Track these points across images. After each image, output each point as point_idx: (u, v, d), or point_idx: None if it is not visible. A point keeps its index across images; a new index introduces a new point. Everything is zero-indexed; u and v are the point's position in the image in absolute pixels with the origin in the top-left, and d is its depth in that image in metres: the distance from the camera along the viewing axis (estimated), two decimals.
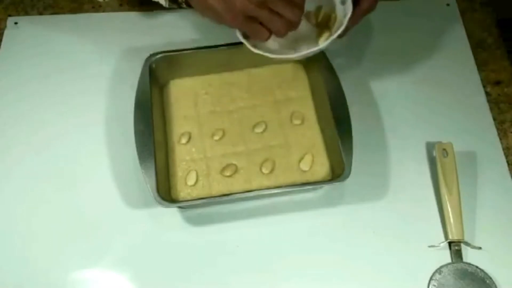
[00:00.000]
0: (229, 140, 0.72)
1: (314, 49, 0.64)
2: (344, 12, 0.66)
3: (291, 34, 0.66)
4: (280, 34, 0.63)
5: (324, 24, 0.69)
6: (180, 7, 0.61)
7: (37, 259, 0.66)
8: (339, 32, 0.63)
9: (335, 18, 0.68)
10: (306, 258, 0.66)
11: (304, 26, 0.69)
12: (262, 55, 0.65)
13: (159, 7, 0.80)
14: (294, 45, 0.69)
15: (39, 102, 0.77)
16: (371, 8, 0.67)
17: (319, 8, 0.70)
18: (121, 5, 0.86)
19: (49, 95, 0.77)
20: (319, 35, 0.68)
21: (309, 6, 0.69)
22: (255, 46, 0.66)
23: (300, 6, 0.62)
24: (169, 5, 0.64)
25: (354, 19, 0.65)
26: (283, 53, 0.67)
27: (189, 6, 0.63)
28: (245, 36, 0.67)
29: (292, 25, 0.63)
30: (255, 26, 0.63)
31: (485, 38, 0.83)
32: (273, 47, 0.68)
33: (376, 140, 0.74)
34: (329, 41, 0.64)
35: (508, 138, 0.74)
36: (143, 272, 0.65)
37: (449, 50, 0.81)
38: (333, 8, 0.68)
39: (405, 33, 0.83)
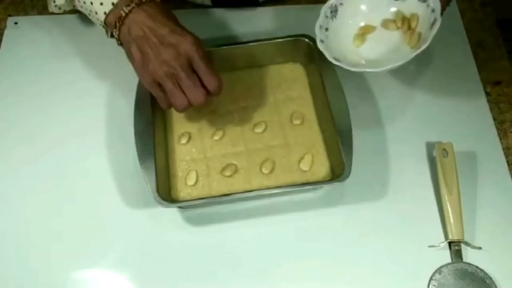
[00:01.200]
0: (229, 140, 0.72)
1: (418, 51, 0.62)
2: (428, 8, 0.65)
3: (379, 46, 0.68)
4: (177, 109, 0.64)
5: (407, 28, 0.68)
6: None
7: (37, 259, 0.66)
8: (436, 28, 0.62)
9: (417, 17, 0.67)
10: (306, 258, 0.66)
11: (384, 34, 0.69)
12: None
13: None
14: (382, 55, 0.69)
15: (39, 102, 0.77)
16: None
17: (397, 12, 0.69)
18: None
19: (49, 95, 0.77)
20: (407, 38, 0.68)
21: (385, 13, 0.70)
22: (350, 65, 0.65)
23: (205, 93, 0.63)
24: (111, 37, 0.67)
25: (443, 3, 0.64)
26: (384, 64, 0.65)
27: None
28: (336, 60, 0.66)
29: (192, 104, 0.63)
30: (159, 92, 0.64)
31: (485, 38, 0.83)
32: (363, 61, 0.69)
33: (376, 140, 0.73)
34: (427, 38, 0.62)
35: (508, 138, 0.74)
36: (143, 272, 0.65)
37: (449, 50, 0.81)
38: (412, 8, 0.68)
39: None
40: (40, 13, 0.85)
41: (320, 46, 0.67)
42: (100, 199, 0.69)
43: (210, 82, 0.63)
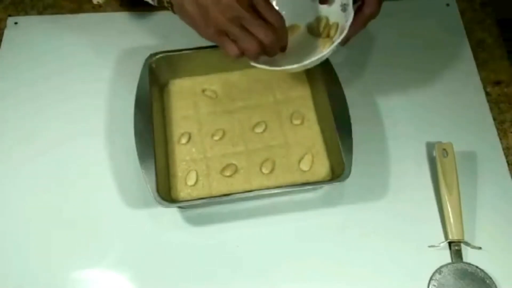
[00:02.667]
0: (229, 140, 0.72)
1: (314, 58, 0.61)
2: (345, 19, 0.64)
3: (294, 46, 0.66)
4: (249, 54, 0.61)
5: (326, 35, 0.68)
6: (164, 7, 0.61)
7: (37, 259, 0.66)
8: (340, 39, 0.61)
9: (337, 26, 0.67)
10: (306, 258, 0.66)
11: (307, 38, 0.68)
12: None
13: (152, 6, 0.79)
14: (298, 57, 0.66)
15: (39, 102, 0.77)
16: (373, 15, 0.64)
17: (320, 19, 0.69)
18: (121, 5, 0.86)
19: (49, 95, 0.77)
20: (322, 45, 0.67)
21: (310, 17, 0.69)
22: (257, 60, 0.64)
23: (274, 29, 0.60)
24: (157, 3, 0.64)
25: (356, 26, 0.63)
26: (284, 64, 0.64)
27: (172, 9, 0.63)
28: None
29: (264, 47, 0.60)
30: (225, 40, 0.60)
31: (485, 38, 0.83)
32: (273, 60, 0.66)
33: (376, 140, 0.74)
34: (330, 49, 0.61)
35: (508, 138, 0.74)
36: (143, 272, 0.65)
37: (449, 50, 0.81)
38: (334, 17, 0.67)
39: (405, 33, 0.83)
40: (40, 13, 0.85)
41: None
42: (100, 199, 0.69)
43: (273, 17, 0.59)
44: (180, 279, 0.65)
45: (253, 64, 0.64)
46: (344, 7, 0.65)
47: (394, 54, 0.81)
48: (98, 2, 0.82)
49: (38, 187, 0.70)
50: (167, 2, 0.62)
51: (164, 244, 0.67)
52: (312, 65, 0.63)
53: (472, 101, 0.77)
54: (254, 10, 0.59)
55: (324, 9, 0.68)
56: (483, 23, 0.85)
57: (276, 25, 0.60)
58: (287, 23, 0.64)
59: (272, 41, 0.60)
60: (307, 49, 0.68)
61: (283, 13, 0.63)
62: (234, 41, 0.60)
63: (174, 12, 0.63)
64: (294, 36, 0.69)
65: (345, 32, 0.61)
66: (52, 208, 0.69)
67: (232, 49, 0.61)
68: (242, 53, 0.61)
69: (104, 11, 0.86)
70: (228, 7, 0.57)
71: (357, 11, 0.63)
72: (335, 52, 0.62)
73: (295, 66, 0.63)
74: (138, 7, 0.85)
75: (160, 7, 0.66)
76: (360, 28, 0.64)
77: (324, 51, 0.62)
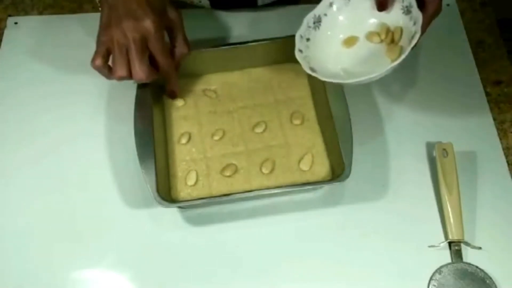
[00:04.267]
0: (229, 140, 0.72)
1: (393, 65, 0.61)
2: (411, 21, 0.63)
3: (357, 57, 0.67)
4: (115, 76, 0.64)
5: (390, 41, 0.67)
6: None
7: (37, 259, 0.66)
8: (415, 41, 0.60)
9: (401, 30, 0.66)
10: (306, 258, 0.66)
11: (369, 48, 0.68)
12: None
13: None
14: (366, 67, 0.67)
15: (39, 102, 0.77)
16: (437, 12, 0.64)
17: (382, 25, 0.68)
18: None
19: (49, 95, 0.77)
20: (389, 51, 0.66)
21: (370, 25, 0.68)
22: (325, 76, 0.64)
23: (147, 71, 0.64)
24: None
25: (423, 26, 0.62)
26: (355, 77, 0.63)
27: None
28: (312, 69, 0.65)
29: (132, 77, 0.64)
30: (103, 56, 0.64)
31: (485, 38, 0.83)
32: (343, 74, 0.67)
33: (376, 140, 0.74)
34: (406, 53, 0.60)
35: (508, 138, 0.74)
36: (143, 272, 0.65)
37: (449, 50, 0.81)
38: (396, 22, 0.66)
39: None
40: (40, 13, 0.85)
41: (297, 55, 0.66)
42: (100, 199, 0.69)
43: (162, 62, 0.66)
44: (180, 279, 0.65)
45: (327, 80, 0.64)
46: (406, 10, 0.64)
47: None
48: None
49: (38, 187, 0.70)
50: (98, 2, 0.66)
51: (164, 244, 0.67)
52: (386, 73, 0.62)
53: (472, 101, 0.77)
54: (146, 50, 0.64)
55: (383, 16, 0.67)
56: (483, 23, 0.85)
57: (164, 68, 0.67)
58: (347, 34, 0.68)
59: (139, 78, 0.64)
60: (373, 58, 0.67)
61: (344, 23, 0.68)
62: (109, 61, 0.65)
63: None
64: (355, 48, 0.69)
65: (418, 34, 0.61)
66: (52, 208, 0.69)
67: (103, 69, 0.65)
68: (109, 73, 0.65)
69: None
70: (123, 32, 0.62)
71: (421, 11, 0.62)
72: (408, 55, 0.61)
73: (373, 75, 0.61)
74: None
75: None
76: (426, 26, 0.64)
77: (400, 56, 0.61)
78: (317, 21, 0.69)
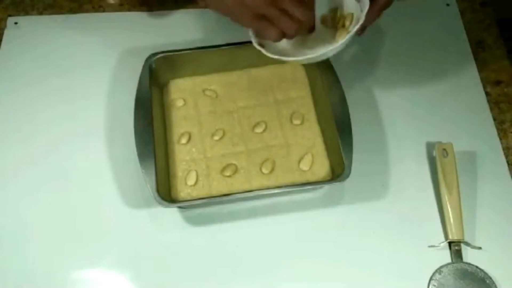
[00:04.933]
0: (229, 140, 0.72)
1: (331, 47, 0.62)
2: (361, 8, 0.64)
3: (306, 37, 0.66)
4: (290, 33, 0.62)
5: (341, 25, 0.68)
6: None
7: (37, 259, 0.66)
8: (356, 28, 0.62)
9: (352, 17, 0.67)
10: (306, 258, 0.66)
11: (320, 29, 0.68)
12: (277, 58, 0.64)
13: (163, 6, 0.79)
14: (311, 49, 0.67)
15: (40, 102, 0.77)
16: (388, 4, 0.66)
17: (334, 10, 0.69)
18: (121, 5, 0.86)
19: (49, 95, 0.77)
20: (338, 35, 0.67)
21: (323, 9, 0.69)
22: (270, 52, 0.64)
23: (310, 7, 0.62)
24: None
25: (371, 15, 0.64)
26: (299, 55, 0.65)
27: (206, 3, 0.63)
28: (261, 44, 0.66)
29: (303, 25, 0.62)
30: (264, 24, 0.61)
31: (485, 38, 0.83)
32: (288, 52, 0.67)
33: (376, 140, 0.74)
34: (346, 38, 0.62)
35: (508, 138, 0.74)
36: (143, 272, 0.65)
37: (449, 50, 0.81)
38: (349, 8, 0.67)
39: (405, 33, 0.83)
40: (40, 13, 0.85)
41: (254, 44, 0.66)
42: (100, 199, 0.69)
43: None
44: (180, 279, 0.65)
45: (271, 56, 0.64)
46: None
47: (394, 54, 0.81)
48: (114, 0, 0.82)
49: (38, 187, 0.70)
50: None
51: (164, 244, 0.67)
52: (328, 55, 0.64)
53: (472, 101, 0.77)
54: None
55: (337, 1, 0.68)
56: (483, 23, 0.85)
57: (308, 4, 0.61)
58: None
59: (308, 19, 0.62)
60: (322, 41, 0.68)
61: None
62: (272, 23, 0.61)
63: (206, 6, 0.63)
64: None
65: (361, 21, 0.62)
66: (52, 208, 0.69)
67: (272, 32, 0.62)
68: (282, 35, 0.62)
69: (104, 11, 0.86)
70: None
71: (372, 1, 0.63)
72: (349, 43, 0.62)
73: (312, 56, 0.63)
74: (141, 6, 0.85)
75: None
76: (375, 17, 0.65)
77: (340, 40, 0.63)
78: None
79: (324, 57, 0.64)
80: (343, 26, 0.67)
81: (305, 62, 0.69)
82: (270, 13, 0.60)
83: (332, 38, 0.67)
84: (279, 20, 0.61)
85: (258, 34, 0.65)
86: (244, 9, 0.60)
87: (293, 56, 0.65)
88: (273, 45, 0.66)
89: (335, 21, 0.69)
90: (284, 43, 0.67)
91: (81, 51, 0.81)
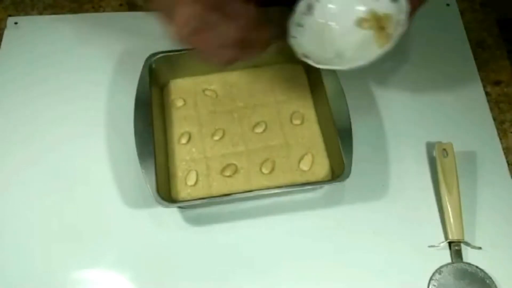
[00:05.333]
0: (229, 140, 0.72)
1: (379, 51, 0.62)
2: (397, 8, 0.64)
3: (343, 42, 0.67)
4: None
5: (378, 27, 0.68)
6: None
7: (37, 259, 0.66)
8: (402, 29, 0.61)
9: (388, 16, 0.66)
10: (305, 258, 0.66)
11: (355, 33, 0.69)
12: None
13: None
14: (348, 54, 0.68)
15: (39, 102, 0.77)
16: (422, 1, 0.64)
17: (370, 12, 0.69)
18: (121, 5, 0.86)
19: (49, 95, 0.77)
20: (378, 37, 0.67)
21: (357, 11, 0.69)
22: (318, 63, 0.64)
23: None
24: None
25: (410, 13, 0.63)
26: (349, 62, 0.65)
27: None
28: (306, 56, 0.65)
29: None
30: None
31: (485, 38, 0.83)
32: (335, 59, 0.67)
33: (376, 140, 0.74)
34: (394, 39, 0.62)
35: (508, 138, 0.74)
36: (143, 272, 0.65)
37: (449, 50, 0.81)
38: (385, 9, 0.67)
39: (404, 33, 0.82)
40: (40, 13, 0.85)
41: (291, 41, 0.66)
42: (100, 199, 0.69)
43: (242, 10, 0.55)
44: (180, 279, 0.65)
45: (319, 66, 0.64)
46: None
47: (394, 54, 0.80)
48: None
49: (38, 187, 0.70)
50: None
51: (164, 244, 0.67)
52: (373, 59, 0.63)
53: (472, 101, 0.77)
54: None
55: (372, 3, 0.68)
56: (483, 23, 0.85)
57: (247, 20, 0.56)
58: (341, 21, 0.67)
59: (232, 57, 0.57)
60: (363, 44, 0.68)
61: (334, 10, 0.67)
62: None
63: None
64: (345, 34, 0.69)
65: (404, 23, 0.61)
66: (52, 208, 0.69)
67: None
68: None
69: (104, 11, 0.86)
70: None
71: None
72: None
73: (363, 62, 0.63)
74: (141, 6, 0.85)
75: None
76: (413, 15, 0.64)
77: (389, 42, 0.62)
78: (310, 8, 0.69)
79: (371, 62, 0.63)
80: (381, 29, 0.67)
81: (354, 68, 0.68)
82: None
83: (372, 41, 0.67)
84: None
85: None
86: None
87: (342, 65, 0.65)
88: (318, 56, 0.66)
89: (371, 23, 0.68)
90: (328, 53, 0.67)
91: (81, 51, 0.81)
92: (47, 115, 0.76)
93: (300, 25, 0.68)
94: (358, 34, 0.69)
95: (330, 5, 0.69)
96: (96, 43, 0.81)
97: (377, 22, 0.68)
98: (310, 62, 0.65)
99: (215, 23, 0.54)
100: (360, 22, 0.69)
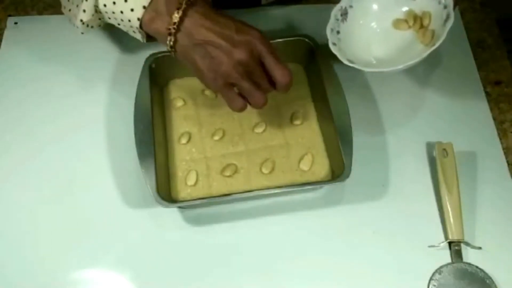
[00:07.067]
0: (229, 140, 0.72)
1: (431, 49, 0.63)
2: (440, 5, 0.65)
3: (391, 45, 0.68)
4: (256, 107, 0.63)
5: (419, 26, 0.68)
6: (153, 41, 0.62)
7: (37, 259, 0.66)
8: (450, 23, 0.62)
9: (430, 14, 0.67)
10: (306, 258, 0.66)
11: (396, 34, 0.69)
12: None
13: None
14: (395, 55, 0.69)
15: (39, 102, 0.77)
16: None
17: (409, 11, 0.69)
18: None
19: (48, 95, 0.77)
20: (421, 36, 0.68)
21: (395, 12, 0.69)
22: (365, 66, 0.66)
23: (271, 88, 0.63)
24: (147, 41, 0.64)
25: (453, 6, 0.64)
26: (397, 63, 0.65)
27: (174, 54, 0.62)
28: (350, 61, 0.66)
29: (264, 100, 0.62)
30: (232, 94, 0.62)
31: (485, 38, 0.83)
32: (374, 61, 0.69)
33: (376, 140, 0.74)
34: (444, 36, 0.63)
35: (508, 138, 0.74)
36: (143, 272, 0.65)
37: (449, 50, 0.81)
38: (424, 6, 0.68)
39: None
40: (40, 13, 0.85)
41: (333, 49, 0.67)
42: (100, 199, 0.69)
43: (281, 74, 0.61)
44: (180, 279, 0.65)
45: (366, 70, 0.66)
46: None
47: None
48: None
49: (38, 187, 0.70)
50: (170, 47, 0.61)
51: (164, 244, 0.67)
52: (425, 56, 0.64)
53: (472, 101, 0.77)
54: (262, 65, 0.60)
55: (411, 2, 0.69)
56: (483, 23, 0.85)
57: (281, 82, 0.61)
58: (382, 21, 0.69)
59: (265, 100, 0.62)
60: (403, 45, 0.69)
61: (375, 11, 0.69)
62: (239, 94, 0.62)
63: (175, 56, 0.62)
64: (384, 37, 0.71)
65: (451, 20, 0.63)
66: (52, 208, 0.69)
67: (238, 103, 0.62)
68: (246, 106, 0.63)
69: None
70: (240, 63, 0.58)
71: None
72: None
73: (412, 62, 0.64)
74: None
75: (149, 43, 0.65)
76: (454, 8, 0.64)
77: (438, 40, 0.63)
78: (344, 13, 0.70)
79: (417, 62, 0.65)
80: (421, 27, 0.67)
81: (401, 69, 0.69)
82: (243, 86, 0.60)
83: (414, 40, 0.68)
84: (250, 94, 0.61)
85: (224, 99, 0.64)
86: (216, 75, 0.60)
87: (385, 67, 0.66)
88: (360, 60, 0.67)
89: (410, 23, 0.69)
90: (372, 55, 0.70)
91: (81, 51, 0.81)
92: (47, 115, 0.76)
93: (337, 31, 0.69)
94: (398, 34, 0.69)
95: (374, 6, 0.70)
96: (96, 43, 0.81)
97: (417, 20, 0.68)
98: (357, 66, 0.65)
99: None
100: (396, 24, 0.69)
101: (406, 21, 0.70)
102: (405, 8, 0.70)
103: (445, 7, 0.64)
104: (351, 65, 0.66)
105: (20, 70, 0.79)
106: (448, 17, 0.63)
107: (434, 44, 0.63)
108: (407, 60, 0.64)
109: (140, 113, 0.68)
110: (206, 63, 0.59)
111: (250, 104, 0.63)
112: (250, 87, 0.60)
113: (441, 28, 0.64)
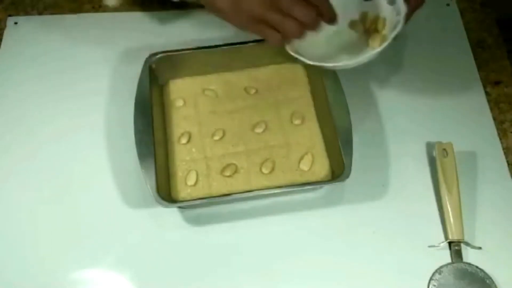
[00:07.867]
0: (229, 140, 0.72)
1: (373, 52, 0.63)
2: (394, 11, 0.65)
3: (336, 43, 0.66)
4: (293, 37, 0.60)
5: (372, 29, 0.68)
6: (187, 5, 0.59)
7: (37, 259, 0.66)
8: (397, 30, 0.62)
9: (384, 20, 0.67)
10: (306, 258, 0.66)
11: (348, 35, 0.69)
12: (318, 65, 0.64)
13: (163, 6, 0.79)
14: (341, 54, 0.68)
15: (39, 102, 0.77)
16: (420, 4, 0.65)
17: (365, 14, 0.69)
18: (121, 5, 0.86)
19: (48, 95, 0.77)
20: (372, 39, 0.67)
21: (352, 14, 0.69)
22: (307, 58, 0.64)
23: (311, 6, 0.58)
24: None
25: (406, 17, 0.63)
26: (333, 61, 0.65)
27: (199, 6, 0.61)
28: (298, 52, 0.65)
29: (306, 26, 0.59)
30: (264, 29, 0.59)
31: (485, 38, 0.83)
32: (324, 57, 0.68)
33: (376, 140, 0.74)
34: (388, 41, 0.62)
35: (508, 138, 0.74)
36: (143, 272, 0.65)
37: (449, 50, 0.81)
38: (381, 11, 0.68)
39: (404, 33, 0.83)
40: (40, 13, 0.85)
41: (289, 51, 0.66)
42: (100, 199, 0.69)
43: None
44: (180, 279, 0.65)
45: (303, 60, 0.64)
46: (392, 1, 0.66)
47: (393, 54, 0.81)
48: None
49: (38, 187, 0.70)
50: None
51: (164, 244, 0.67)
52: (364, 61, 0.64)
53: (472, 101, 0.77)
54: None
55: (368, 5, 0.69)
56: (483, 23, 0.85)
57: (319, 5, 0.58)
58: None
59: (313, 19, 0.58)
60: (353, 46, 0.69)
61: None
62: (273, 27, 0.59)
63: (203, 6, 0.61)
64: (337, 36, 0.70)
65: (400, 26, 0.62)
66: (52, 208, 0.69)
67: (274, 36, 0.59)
68: (285, 38, 0.60)
69: (104, 11, 0.86)
70: None
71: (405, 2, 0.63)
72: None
73: (353, 61, 0.63)
74: (141, 6, 0.85)
75: (176, 7, 0.64)
76: (408, 19, 0.64)
77: (383, 43, 0.63)
78: None
79: (359, 64, 0.64)
80: (376, 31, 0.67)
81: (341, 68, 0.69)
82: (271, 17, 0.58)
83: (363, 43, 0.68)
84: (279, 24, 0.58)
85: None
86: (241, 13, 0.59)
87: (328, 61, 0.65)
88: (309, 51, 0.66)
89: (365, 25, 0.69)
90: (319, 49, 0.68)
91: (81, 51, 0.81)
92: (47, 115, 0.76)
93: None
94: (351, 34, 0.69)
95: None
96: (96, 43, 0.81)
97: (371, 24, 0.68)
98: (302, 59, 0.65)
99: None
100: (352, 25, 0.69)
101: (362, 23, 0.69)
102: (360, 10, 0.70)
103: (398, 13, 0.64)
104: (296, 56, 0.65)
105: (20, 69, 0.79)
106: (397, 23, 0.63)
107: (378, 47, 0.63)
108: (355, 59, 0.64)
109: (140, 113, 0.68)
110: (229, 7, 0.58)
111: (284, 37, 0.60)
112: (277, 17, 0.58)
113: (390, 34, 0.64)
